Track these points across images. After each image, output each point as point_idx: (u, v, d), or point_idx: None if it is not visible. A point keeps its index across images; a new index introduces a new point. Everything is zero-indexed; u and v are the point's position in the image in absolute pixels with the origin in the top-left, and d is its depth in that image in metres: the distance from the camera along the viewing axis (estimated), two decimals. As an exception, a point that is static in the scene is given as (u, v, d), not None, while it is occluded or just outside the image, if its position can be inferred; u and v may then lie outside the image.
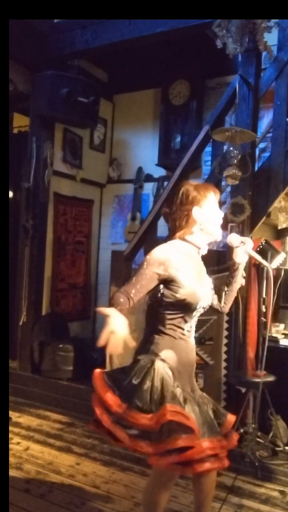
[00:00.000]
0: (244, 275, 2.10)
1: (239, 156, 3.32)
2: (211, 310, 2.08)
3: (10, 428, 3.60)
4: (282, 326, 3.77)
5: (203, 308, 1.95)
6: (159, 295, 1.88)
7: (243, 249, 2.02)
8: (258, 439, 3.24)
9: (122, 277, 4.12)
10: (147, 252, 4.06)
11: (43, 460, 3.13)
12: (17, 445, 3.35)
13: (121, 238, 5.38)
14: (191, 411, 1.80)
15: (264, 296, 3.36)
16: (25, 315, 4.59)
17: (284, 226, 4.03)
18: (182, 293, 1.84)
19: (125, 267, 4.13)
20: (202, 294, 1.91)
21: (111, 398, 1.79)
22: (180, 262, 1.86)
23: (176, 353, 1.88)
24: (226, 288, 2.09)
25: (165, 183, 4.85)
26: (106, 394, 1.80)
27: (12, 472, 2.92)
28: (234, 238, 2.03)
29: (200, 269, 1.99)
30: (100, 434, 1.89)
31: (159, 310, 1.91)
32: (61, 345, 4.45)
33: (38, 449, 3.30)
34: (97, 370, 1.90)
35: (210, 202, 1.94)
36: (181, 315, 1.89)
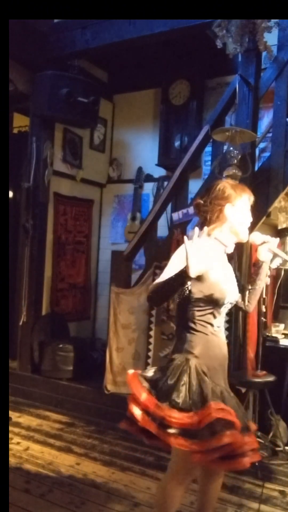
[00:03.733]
0: (269, 273, 2.11)
1: (239, 156, 3.32)
2: (234, 308, 2.09)
3: (10, 428, 3.60)
4: (282, 326, 3.77)
5: (231, 303, 1.96)
6: (187, 292, 1.88)
7: (266, 247, 2.04)
8: (258, 439, 3.24)
9: (122, 277, 4.13)
10: (147, 252, 4.10)
11: (43, 460, 3.13)
12: (17, 445, 3.35)
13: (121, 238, 5.38)
14: (230, 406, 1.81)
15: (264, 296, 3.36)
16: (25, 315, 4.59)
17: (284, 226, 4.03)
18: (209, 289, 1.84)
19: (125, 267, 4.14)
20: (229, 290, 1.91)
21: (147, 398, 1.78)
22: (207, 258, 1.84)
23: (209, 350, 1.88)
24: (250, 287, 2.09)
25: (165, 183, 4.85)
26: (143, 395, 1.79)
27: (12, 472, 2.92)
28: (256, 237, 2.04)
29: (226, 266, 1.99)
30: (132, 433, 1.89)
31: (188, 308, 1.90)
32: (61, 345, 4.45)
33: (38, 449, 3.30)
34: (131, 371, 1.90)
35: (243, 203, 1.96)
36: (210, 311, 1.88)
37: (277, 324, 3.75)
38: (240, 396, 3.34)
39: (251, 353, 3.47)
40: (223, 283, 1.89)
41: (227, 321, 3.49)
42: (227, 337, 3.45)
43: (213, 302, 1.87)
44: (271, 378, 3.13)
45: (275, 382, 3.15)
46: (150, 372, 1.91)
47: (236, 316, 3.43)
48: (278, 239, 2.07)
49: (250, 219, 2.00)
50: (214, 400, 1.75)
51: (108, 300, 4.20)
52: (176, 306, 1.98)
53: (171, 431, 1.71)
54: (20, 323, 4.60)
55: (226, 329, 3.49)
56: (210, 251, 1.81)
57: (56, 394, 4.25)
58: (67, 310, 5.18)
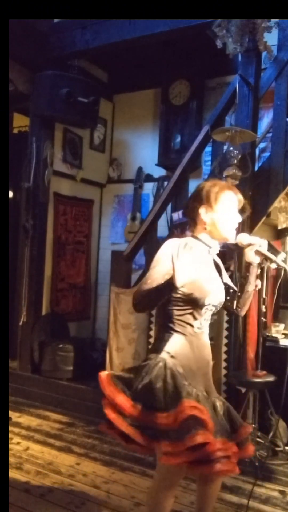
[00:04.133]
0: (267, 274, 2.07)
1: (239, 156, 3.32)
2: (223, 311, 2.07)
3: (10, 428, 3.60)
4: (282, 326, 3.76)
5: (214, 306, 1.89)
6: None
7: (253, 249, 1.96)
8: (258, 439, 3.24)
9: (122, 277, 4.12)
10: (147, 252, 4.09)
11: (43, 460, 3.13)
12: (17, 445, 3.35)
13: (121, 238, 5.38)
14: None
15: (264, 296, 3.36)
16: (25, 315, 4.59)
17: (284, 226, 4.03)
18: (189, 288, 1.78)
19: (125, 267, 4.14)
20: (211, 291, 1.85)
21: (122, 400, 1.74)
22: (183, 255, 1.84)
23: (187, 351, 1.84)
24: (238, 290, 2.05)
25: (165, 183, 4.85)
26: (117, 397, 1.75)
27: (12, 472, 2.92)
28: (243, 238, 1.97)
29: (210, 266, 1.95)
30: (112, 436, 1.85)
31: (167, 307, 1.87)
32: (61, 345, 4.45)
33: (38, 449, 3.30)
34: (103, 373, 1.83)
35: (225, 203, 1.90)
36: (189, 311, 1.84)
37: (277, 324, 3.75)
38: (240, 396, 3.35)
39: (251, 353, 3.47)
40: (205, 283, 1.83)
41: (227, 321, 3.50)
42: (227, 337, 3.48)
43: (192, 302, 1.82)
44: (271, 378, 3.13)
45: (275, 382, 3.15)
46: (124, 372, 1.88)
47: (236, 316, 3.43)
48: (266, 241, 1.98)
49: (237, 218, 1.93)
50: (187, 398, 1.71)
51: (108, 300, 4.21)
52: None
53: (148, 432, 1.69)
54: (20, 323, 4.61)
55: (226, 329, 3.50)
56: (193, 253, 1.82)
57: (56, 394, 4.25)
58: (67, 310, 5.18)
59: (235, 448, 1.82)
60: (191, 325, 1.85)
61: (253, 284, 2.00)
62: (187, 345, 1.84)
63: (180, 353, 1.83)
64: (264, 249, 1.96)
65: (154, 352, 1.86)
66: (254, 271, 2.00)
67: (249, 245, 1.95)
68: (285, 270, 2.04)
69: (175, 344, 1.83)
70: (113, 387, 1.78)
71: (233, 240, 1.94)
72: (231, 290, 2.03)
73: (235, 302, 2.03)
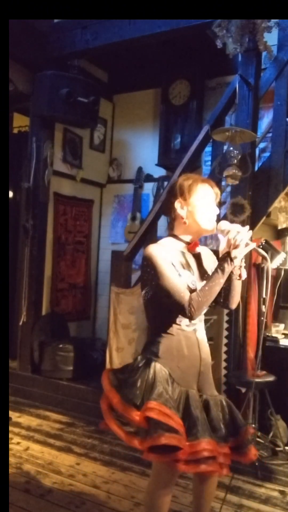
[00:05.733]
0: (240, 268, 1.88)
1: (239, 156, 3.32)
2: (212, 309, 2.03)
3: (10, 428, 3.60)
4: (282, 326, 3.77)
5: None
6: (151, 293, 1.85)
7: (225, 237, 1.81)
8: (258, 439, 3.24)
9: (122, 277, 4.12)
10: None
11: (43, 460, 3.13)
12: (17, 445, 3.35)
13: (121, 238, 5.38)
14: (179, 409, 1.77)
15: (264, 296, 3.36)
16: (25, 315, 4.59)
17: (284, 226, 4.03)
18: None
19: (125, 267, 4.13)
20: (196, 287, 1.83)
21: (113, 396, 1.81)
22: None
23: (174, 350, 1.84)
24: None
25: (165, 183, 4.86)
26: (110, 392, 1.82)
27: (12, 472, 2.92)
28: (222, 224, 1.85)
29: (191, 264, 1.89)
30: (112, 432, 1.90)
31: (153, 308, 1.89)
32: (61, 345, 4.45)
33: (38, 449, 3.30)
34: (106, 369, 1.93)
35: (197, 196, 1.86)
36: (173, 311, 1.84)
37: (277, 324, 3.75)
38: (240, 396, 3.35)
39: (251, 353, 3.47)
40: (183, 282, 1.80)
41: (227, 321, 3.50)
42: (227, 337, 3.48)
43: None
44: (271, 378, 3.13)
45: (275, 382, 3.15)
46: (120, 370, 1.93)
47: (236, 316, 3.43)
48: (246, 228, 1.80)
49: (213, 209, 1.88)
50: (156, 400, 1.71)
51: (108, 300, 4.20)
52: (144, 307, 1.94)
53: (128, 429, 1.76)
54: (20, 323, 4.60)
55: (226, 329, 3.49)
56: (169, 251, 1.81)
57: (56, 394, 4.25)
58: (67, 310, 5.18)
59: (226, 449, 1.81)
60: (178, 324, 1.85)
61: (236, 275, 1.89)
62: (175, 345, 1.84)
63: (166, 353, 1.83)
64: (241, 236, 1.78)
65: (143, 352, 1.89)
66: (228, 261, 1.79)
67: (228, 232, 1.81)
68: (264, 257, 1.97)
69: (161, 344, 1.84)
70: (108, 382, 1.86)
71: (210, 228, 1.88)
72: None
73: (221, 296, 1.95)
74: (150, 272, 1.81)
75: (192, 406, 1.79)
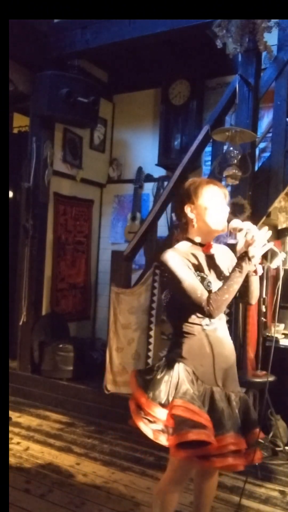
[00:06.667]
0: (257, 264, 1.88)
1: (239, 156, 3.32)
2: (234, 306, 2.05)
3: (10, 428, 3.60)
4: (282, 326, 3.77)
5: None
6: (169, 295, 1.92)
7: (243, 234, 1.83)
8: (258, 439, 3.23)
9: (122, 277, 4.12)
10: (147, 252, 4.09)
11: (43, 460, 3.13)
12: (17, 445, 3.35)
13: (121, 238, 5.38)
14: (205, 406, 1.81)
15: (264, 296, 3.36)
16: (25, 315, 4.59)
17: (284, 226, 4.03)
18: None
19: (125, 267, 4.13)
20: (212, 288, 1.86)
21: (140, 395, 1.86)
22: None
23: (196, 350, 1.88)
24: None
25: (165, 183, 4.85)
26: (137, 392, 1.88)
27: (12, 472, 2.92)
28: (234, 223, 1.86)
29: (206, 266, 1.92)
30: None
31: (173, 310, 1.94)
32: (61, 345, 4.45)
33: (38, 449, 3.30)
34: (133, 370, 2.04)
35: (205, 197, 1.89)
36: (193, 311, 1.87)
37: (277, 324, 3.75)
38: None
39: (251, 353, 3.47)
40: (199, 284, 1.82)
41: (227, 321, 3.49)
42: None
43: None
44: (271, 378, 3.13)
45: (275, 382, 3.15)
46: (146, 370, 2.02)
47: (236, 316, 3.43)
48: (270, 232, 1.85)
49: (223, 208, 1.90)
50: (181, 398, 1.77)
51: (108, 300, 4.20)
52: (165, 311, 2.00)
53: (155, 427, 1.80)
54: (20, 323, 4.61)
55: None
56: (184, 254, 1.86)
57: (56, 394, 4.25)
58: (67, 310, 5.18)
59: (244, 444, 1.86)
60: (199, 324, 1.88)
61: (252, 271, 1.89)
62: (197, 344, 1.88)
63: (190, 353, 1.88)
64: (252, 234, 1.80)
65: (169, 353, 1.94)
66: (245, 258, 1.81)
67: (240, 230, 1.84)
68: (273, 251, 1.99)
69: (184, 345, 1.89)
70: (135, 382, 1.92)
71: (220, 228, 1.90)
72: None
73: (238, 293, 1.94)
74: (168, 276, 1.87)
75: (217, 401, 1.83)
